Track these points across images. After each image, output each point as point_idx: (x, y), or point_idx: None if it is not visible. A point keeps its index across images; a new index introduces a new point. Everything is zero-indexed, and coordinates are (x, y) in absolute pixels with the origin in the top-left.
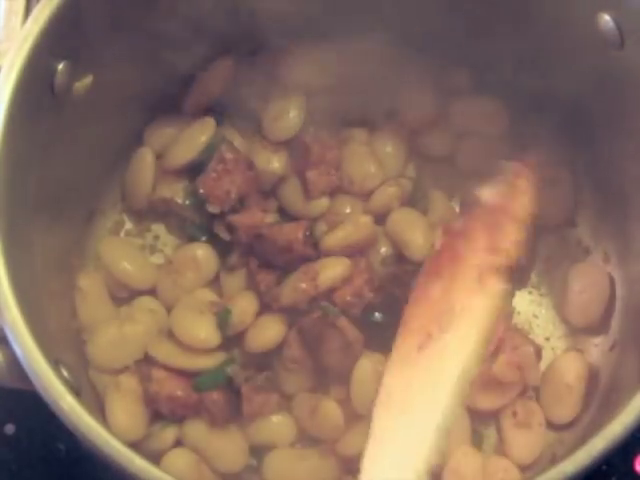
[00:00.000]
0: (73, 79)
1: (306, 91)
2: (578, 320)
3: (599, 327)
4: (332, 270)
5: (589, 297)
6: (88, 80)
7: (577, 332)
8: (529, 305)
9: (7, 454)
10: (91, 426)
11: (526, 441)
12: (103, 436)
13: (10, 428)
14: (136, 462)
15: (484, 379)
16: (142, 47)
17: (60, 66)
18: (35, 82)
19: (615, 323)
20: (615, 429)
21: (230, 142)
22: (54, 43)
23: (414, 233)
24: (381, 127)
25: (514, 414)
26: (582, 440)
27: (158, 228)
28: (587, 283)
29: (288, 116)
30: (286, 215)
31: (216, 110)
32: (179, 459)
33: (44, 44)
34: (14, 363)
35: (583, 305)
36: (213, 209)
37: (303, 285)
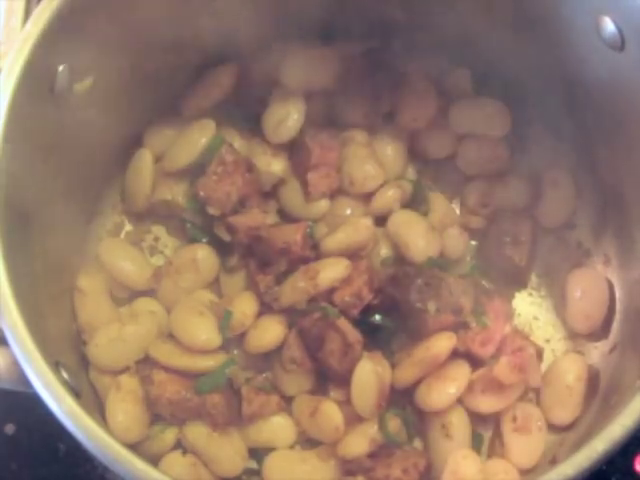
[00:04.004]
0: (73, 81)
1: (306, 93)
2: (579, 326)
3: (600, 332)
4: (331, 270)
5: (589, 304)
6: (88, 82)
7: (577, 334)
8: (529, 307)
9: (7, 454)
10: (91, 428)
11: (526, 446)
12: (103, 439)
13: (10, 428)
14: (137, 465)
15: (485, 381)
16: (143, 50)
17: (60, 68)
18: (35, 84)
19: (615, 326)
20: (615, 431)
21: (230, 144)
22: (54, 45)
23: (414, 235)
24: (381, 129)
25: (514, 419)
26: (582, 442)
27: (158, 230)
28: (587, 290)
29: (288, 118)
30: (286, 217)
31: (216, 112)
32: (178, 462)
33: (44, 46)
34: (14, 365)
35: (584, 312)
36: (213, 211)
37: (302, 284)
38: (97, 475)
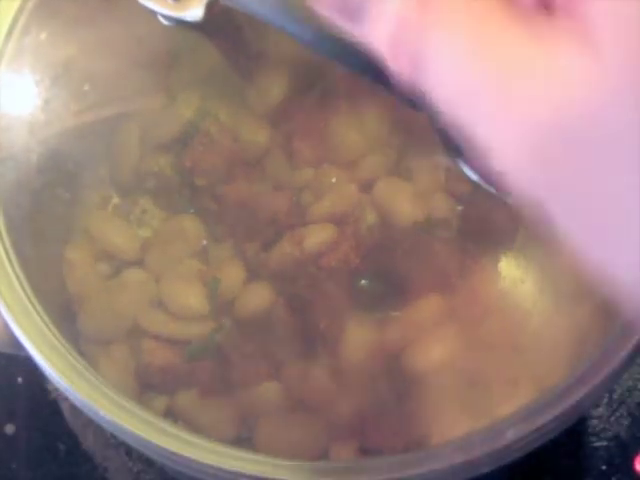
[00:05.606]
0: None
1: (291, 63)
2: (564, 286)
3: (586, 292)
4: (318, 235)
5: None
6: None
7: (564, 295)
8: (516, 269)
9: (7, 454)
10: (86, 386)
11: (514, 405)
12: (98, 397)
13: (10, 428)
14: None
15: (473, 343)
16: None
17: None
18: None
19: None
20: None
21: (215, 115)
22: None
23: (400, 201)
24: (367, 97)
25: (502, 380)
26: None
27: (146, 202)
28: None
29: (272, 87)
30: (273, 186)
31: (201, 84)
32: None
33: None
34: (8, 328)
35: (569, 272)
36: (200, 181)
37: (289, 249)
38: (97, 475)
